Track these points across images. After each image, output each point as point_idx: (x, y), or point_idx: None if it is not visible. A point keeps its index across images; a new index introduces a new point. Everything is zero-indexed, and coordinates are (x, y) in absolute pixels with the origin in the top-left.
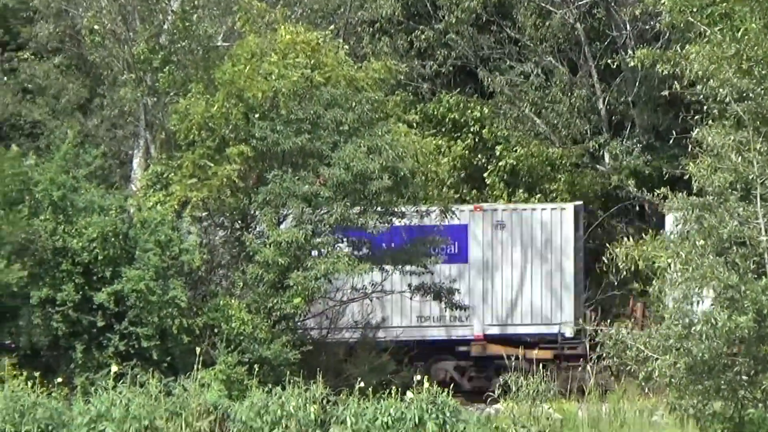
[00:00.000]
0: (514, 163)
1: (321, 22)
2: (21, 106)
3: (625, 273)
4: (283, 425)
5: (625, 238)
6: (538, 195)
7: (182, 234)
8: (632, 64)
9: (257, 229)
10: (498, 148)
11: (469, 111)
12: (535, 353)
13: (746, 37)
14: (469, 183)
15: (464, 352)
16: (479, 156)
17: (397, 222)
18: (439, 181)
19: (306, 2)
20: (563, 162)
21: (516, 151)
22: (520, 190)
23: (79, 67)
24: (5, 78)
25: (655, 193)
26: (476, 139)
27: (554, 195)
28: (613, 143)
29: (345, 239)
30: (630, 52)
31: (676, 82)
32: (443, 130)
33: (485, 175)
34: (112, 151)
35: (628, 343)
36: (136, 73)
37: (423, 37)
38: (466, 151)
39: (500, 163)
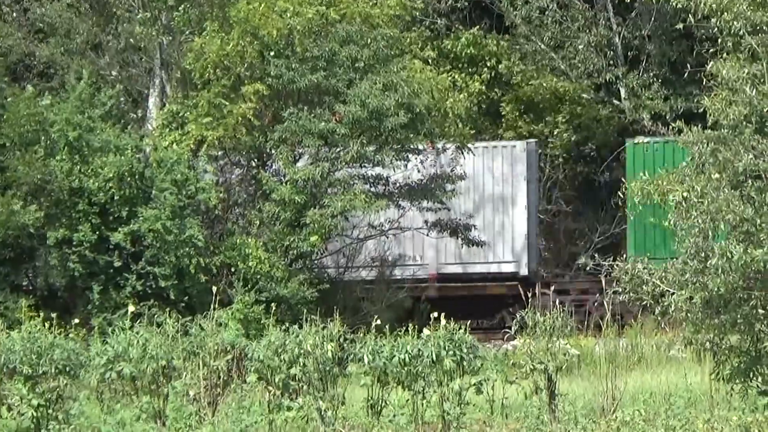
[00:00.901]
0: (528, 96)
1: None
2: (33, 46)
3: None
4: (301, 363)
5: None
6: (541, 124)
7: (198, 173)
8: None
9: (273, 167)
10: (514, 83)
11: (486, 47)
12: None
13: None
14: (486, 117)
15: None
16: (495, 90)
17: (413, 158)
18: (455, 117)
19: None
20: (570, 95)
21: (531, 83)
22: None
23: (92, 6)
24: (17, 17)
25: (670, 127)
26: (492, 74)
27: (557, 128)
28: (630, 77)
29: (362, 176)
30: None
31: (690, 16)
32: (459, 66)
33: (501, 107)
34: (127, 91)
35: (644, 278)
36: (151, 12)
37: None
38: (483, 86)
39: (517, 94)
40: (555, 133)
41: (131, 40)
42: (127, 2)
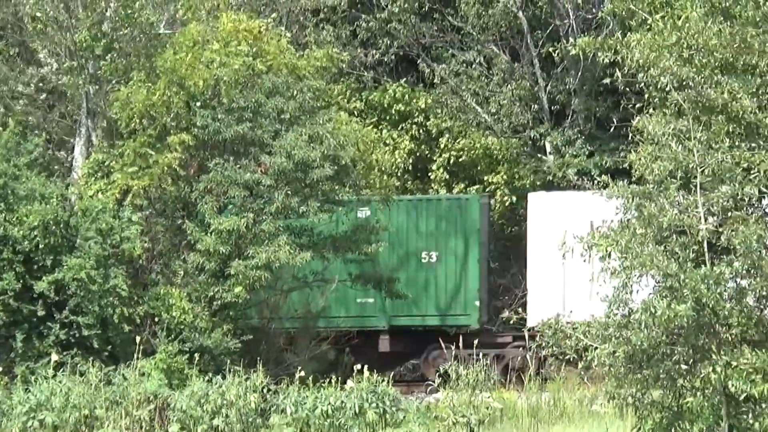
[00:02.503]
0: (457, 154)
1: (264, 9)
2: None
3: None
4: (224, 414)
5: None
6: (477, 186)
7: (123, 222)
8: (573, 52)
9: (198, 217)
10: (442, 139)
11: (415, 101)
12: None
13: (687, 25)
14: (414, 173)
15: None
16: (423, 147)
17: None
18: (380, 170)
19: None
20: (504, 154)
21: (459, 142)
22: (461, 183)
23: (19, 54)
24: None
25: (595, 183)
26: (421, 130)
27: (494, 187)
28: (555, 133)
29: (288, 227)
30: (572, 40)
31: (617, 71)
32: (388, 119)
33: (430, 167)
34: (52, 139)
35: (568, 332)
36: (78, 61)
37: (366, 26)
38: (413, 144)
39: (444, 155)
40: (494, 192)
41: (59, 89)
42: (54, 50)
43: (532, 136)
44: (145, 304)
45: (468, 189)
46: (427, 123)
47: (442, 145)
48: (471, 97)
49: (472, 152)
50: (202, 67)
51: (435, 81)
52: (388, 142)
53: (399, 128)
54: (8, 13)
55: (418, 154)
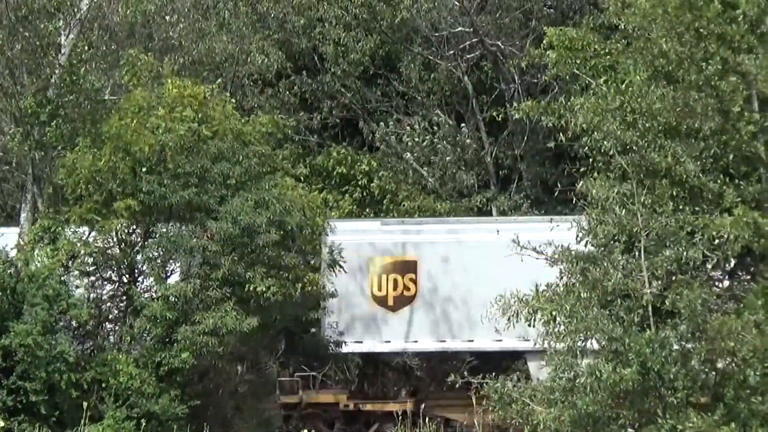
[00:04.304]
0: (402, 216)
1: (208, 75)
2: None
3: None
4: None
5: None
6: None
7: (70, 288)
8: (517, 116)
9: (145, 283)
10: (385, 201)
11: (357, 164)
12: None
13: (630, 89)
14: None
15: None
16: (368, 210)
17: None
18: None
19: (193, 55)
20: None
21: (404, 205)
22: None
23: None
24: None
25: (539, 246)
26: (364, 193)
27: None
28: (501, 198)
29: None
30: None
31: (561, 135)
32: (331, 183)
33: None
34: (3, 206)
35: (514, 396)
36: (23, 127)
37: (309, 89)
38: (354, 206)
39: (388, 217)
40: None
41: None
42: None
43: (479, 200)
44: (93, 370)
45: None
46: (371, 185)
47: (384, 208)
48: (415, 160)
49: (418, 215)
50: (147, 132)
51: (376, 144)
52: (331, 205)
53: (342, 191)
54: None
55: (360, 215)
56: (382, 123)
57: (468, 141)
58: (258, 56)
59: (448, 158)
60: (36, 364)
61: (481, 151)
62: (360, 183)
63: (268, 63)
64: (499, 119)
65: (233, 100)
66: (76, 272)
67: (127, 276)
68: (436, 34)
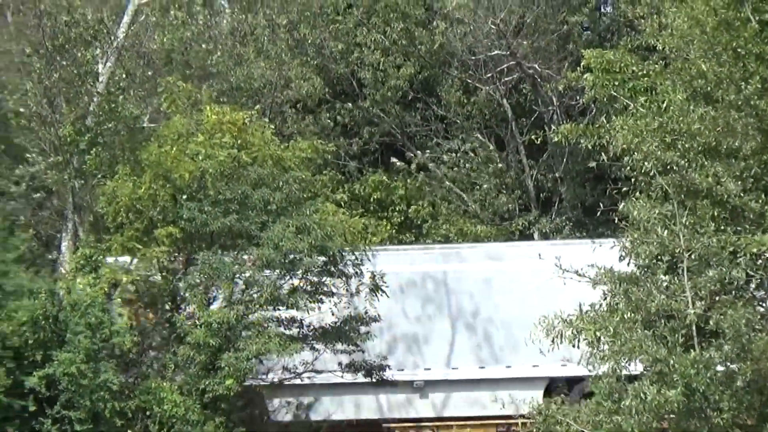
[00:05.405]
0: (441, 240)
1: (246, 101)
2: None
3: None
4: None
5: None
6: None
7: (113, 316)
8: (556, 139)
9: (187, 310)
10: (425, 226)
11: (395, 189)
12: None
13: (670, 110)
14: None
15: None
16: (406, 234)
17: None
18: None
19: (231, 82)
20: (490, 240)
21: (444, 229)
22: None
23: (7, 151)
24: None
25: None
26: (403, 218)
27: None
28: (543, 221)
29: (277, 319)
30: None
31: (603, 155)
32: (370, 208)
33: None
34: (39, 234)
35: (558, 419)
36: (63, 156)
37: (349, 115)
38: (394, 230)
39: (428, 241)
40: None
41: (42, 184)
42: (38, 145)
43: (521, 223)
44: (136, 398)
45: None
46: (408, 210)
47: (425, 232)
48: (456, 185)
49: (459, 239)
50: (187, 159)
51: (416, 169)
52: (372, 230)
53: (381, 216)
54: None
55: (401, 240)
56: (421, 150)
57: (507, 164)
58: (300, 83)
59: (488, 182)
60: (80, 393)
61: (521, 174)
62: (398, 209)
63: (310, 91)
64: (539, 142)
65: (272, 126)
66: (119, 300)
67: (170, 303)
68: (474, 57)
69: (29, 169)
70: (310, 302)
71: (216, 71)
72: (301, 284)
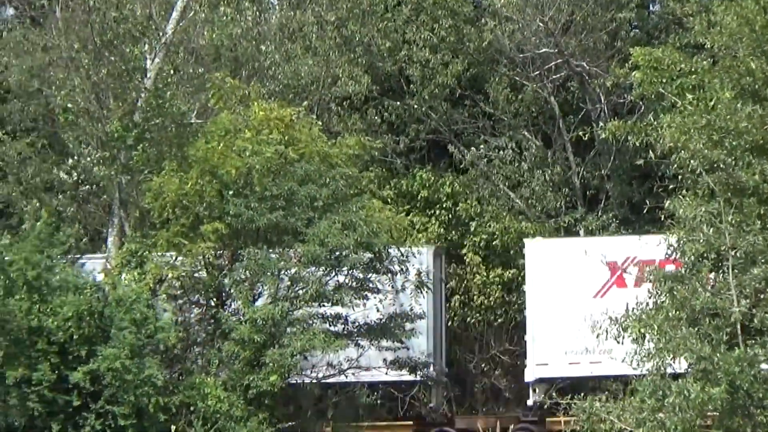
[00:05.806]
0: (488, 238)
1: (294, 98)
2: None
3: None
4: None
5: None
6: (513, 270)
7: (157, 312)
8: (603, 136)
9: (232, 306)
10: (472, 224)
11: (442, 186)
12: None
13: (717, 107)
14: (448, 260)
15: None
16: (453, 232)
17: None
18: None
19: (279, 78)
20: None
21: (490, 226)
22: (498, 269)
23: (50, 144)
24: None
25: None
26: (450, 214)
27: None
28: (589, 218)
29: (322, 315)
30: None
31: (651, 153)
32: (416, 206)
33: (461, 251)
34: (85, 229)
35: (602, 416)
36: (110, 151)
37: (396, 112)
38: (441, 228)
39: (475, 239)
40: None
41: (89, 179)
42: (86, 141)
43: (567, 221)
44: (181, 394)
45: (503, 274)
46: (456, 208)
47: (472, 229)
48: (503, 182)
49: (506, 237)
50: (234, 155)
51: (466, 166)
52: (418, 227)
53: (427, 214)
54: (40, 105)
55: (447, 238)
56: (472, 147)
57: (556, 162)
58: (347, 82)
59: (535, 180)
60: (124, 388)
61: (568, 172)
62: (445, 206)
63: (357, 88)
64: (586, 139)
65: (319, 123)
66: (164, 296)
67: (215, 299)
68: (522, 55)
69: (81, 161)
70: (355, 299)
71: (264, 67)
72: (347, 281)
